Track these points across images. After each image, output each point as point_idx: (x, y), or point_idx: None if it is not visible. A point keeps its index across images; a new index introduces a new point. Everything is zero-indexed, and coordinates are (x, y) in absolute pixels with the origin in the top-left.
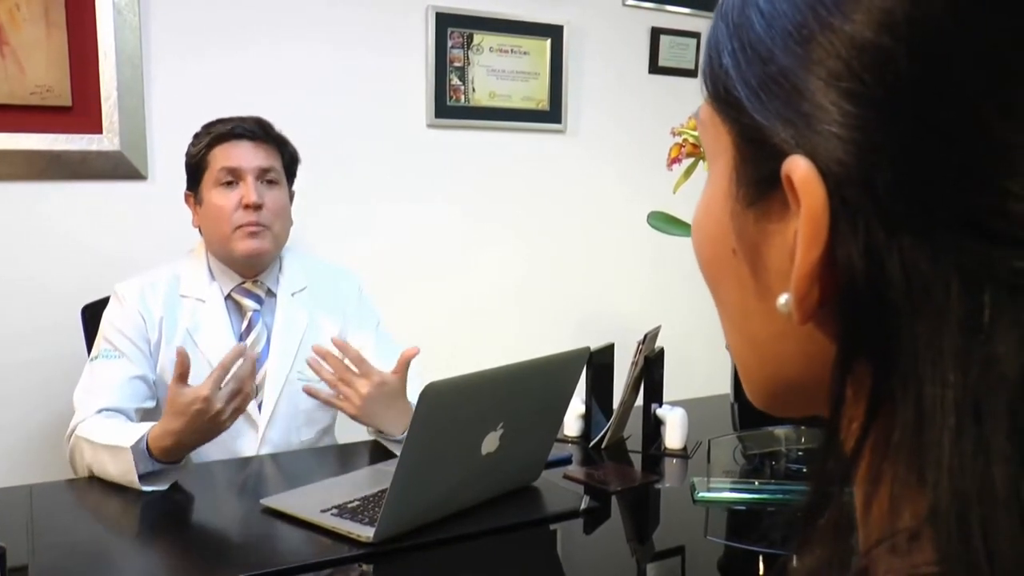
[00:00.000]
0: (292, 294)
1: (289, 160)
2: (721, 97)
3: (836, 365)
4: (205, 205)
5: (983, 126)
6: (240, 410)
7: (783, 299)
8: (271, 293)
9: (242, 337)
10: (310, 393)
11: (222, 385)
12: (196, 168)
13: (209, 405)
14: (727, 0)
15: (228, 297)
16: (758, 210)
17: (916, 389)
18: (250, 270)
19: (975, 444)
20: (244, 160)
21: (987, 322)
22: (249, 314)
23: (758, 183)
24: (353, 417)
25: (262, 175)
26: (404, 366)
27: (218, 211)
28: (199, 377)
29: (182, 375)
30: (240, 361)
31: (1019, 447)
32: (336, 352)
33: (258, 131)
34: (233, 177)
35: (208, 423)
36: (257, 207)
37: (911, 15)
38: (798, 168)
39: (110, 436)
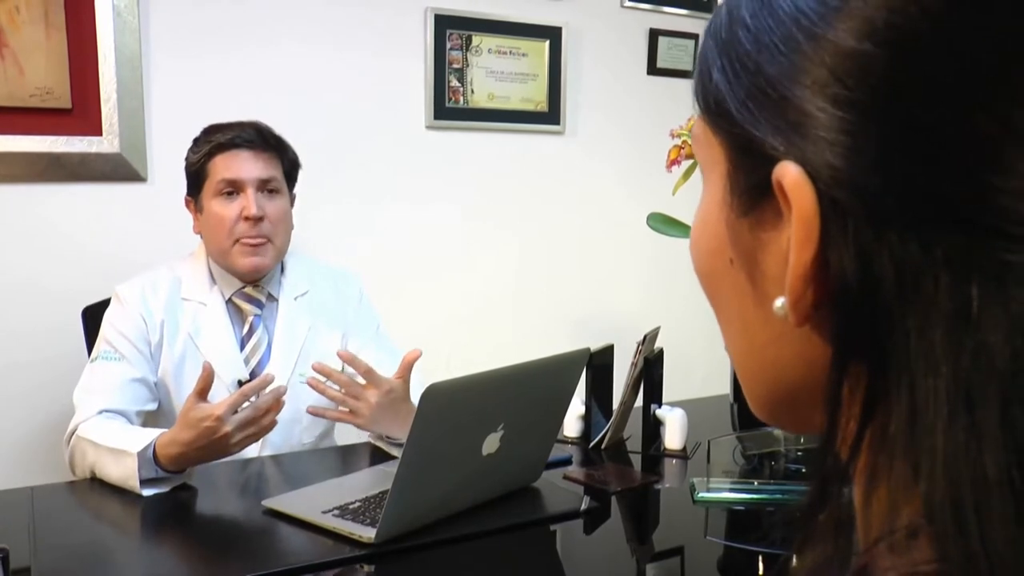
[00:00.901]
0: (294, 298)
1: (289, 166)
2: (712, 111)
3: (832, 365)
4: (206, 214)
5: (965, 124)
6: (252, 438)
7: (779, 302)
8: (272, 297)
9: (243, 341)
10: (315, 413)
11: (239, 409)
12: (196, 176)
13: (219, 425)
14: (715, 20)
15: (229, 301)
16: (753, 219)
17: (909, 381)
18: (251, 278)
19: (967, 432)
20: (244, 171)
21: (976, 313)
22: (250, 319)
23: (751, 191)
24: (360, 427)
25: (263, 186)
26: (407, 369)
27: (219, 222)
28: None
29: (202, 391)
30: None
31: (1010, 434)
32: (338, 366)
33: (258, 140)
34: (233, 188)
35: (215, 443)
36: (258, 219)
37: (890, 22)
38: (788, 173)
39: (115, 439)
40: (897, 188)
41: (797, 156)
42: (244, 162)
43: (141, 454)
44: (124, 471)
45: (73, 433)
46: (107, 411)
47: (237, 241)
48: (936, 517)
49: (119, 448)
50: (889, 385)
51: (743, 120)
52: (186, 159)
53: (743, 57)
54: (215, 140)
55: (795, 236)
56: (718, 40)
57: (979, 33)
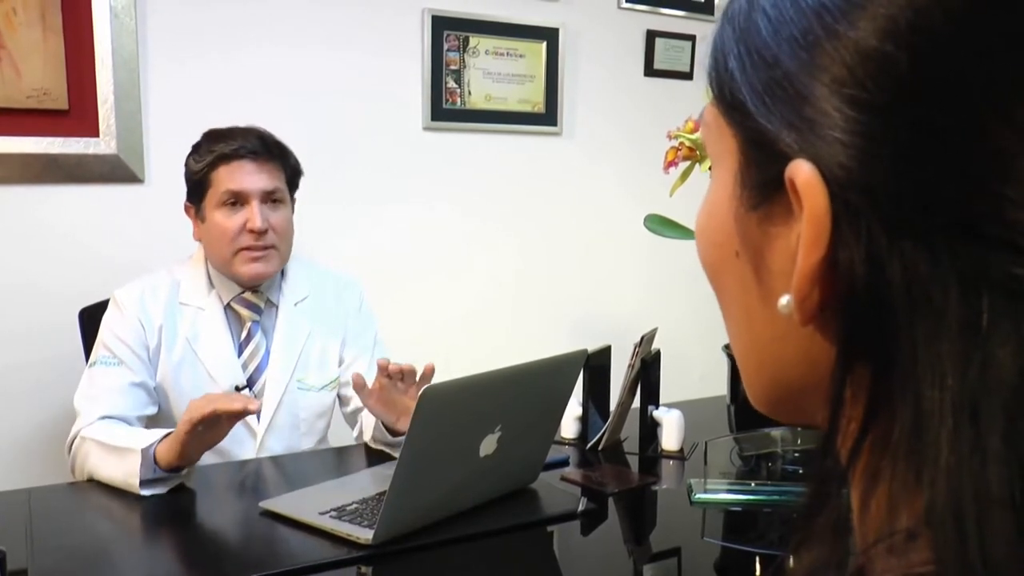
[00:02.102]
0: (294, 304)
1: (292, 174)
2: (726, 100)
3: (836, 366)
4: (208, 223)
5: (983, 133)
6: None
7: (784, 300)
8: (271, 303)
9: (241, 347)
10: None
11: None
12: (198, 184)
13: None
14: (734, 4)
15: (227, 306)
16: (762, 213)
17: (915, 391)
18: (252, 284)
19: (971, 445)
20: (248, 183)
21: (985, 326)
22: (248, 324)
23: (762, 186)
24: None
25: (267, 197)
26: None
27: (222, 233)
28: (200, 389)
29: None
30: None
31: (1014, 448)
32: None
33: (261, 150)
34: (237, 200)
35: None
36: (262, 232)
37: (914, 24)
38: (801, 172)
39: (120, 439)
40: (910, 194)
41: (811, 154)
42: (248, 174)
43: (144, 452)
44: (126, 469)
45: (75, 438)
46: (109, 417)
47: (240, 250)
48: (937, 526)
49: (124, 447)
50: (893, 390)
51: (757, 114)
52: (187, 166)
53: (761, 48)
54: (218, 150)
55: (805, 236)
56: (736, 26)
57: (1000, 42)
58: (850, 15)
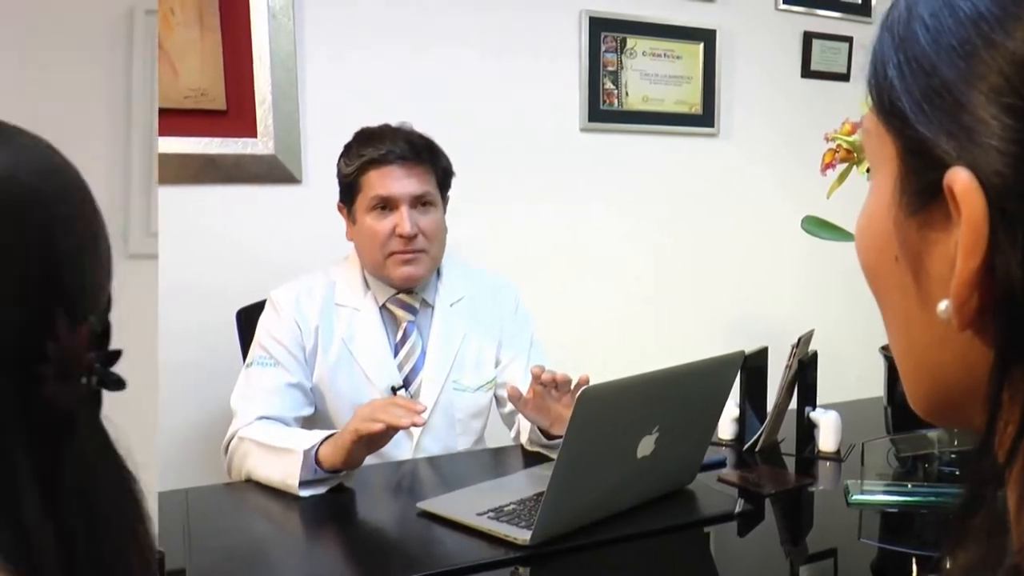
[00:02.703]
0: (450, 305)
1: (443, 176)
2: (886, 108)
3: (994, 370)
4: (359, 226)
5: None
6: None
7: (943, 305)
8: (426, 304)
9: (397, 347)
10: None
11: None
12: (349, 187)
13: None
14: (892, 13)
15: (383, 307)
16: (921, 219)
17: None
18: (405, 287)
19: None
20: (397, 188)
21: None
22: (404, 325)
23: (921, 193)
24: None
25: (416, 201)
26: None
27: (372, 236)
28: (356, 389)
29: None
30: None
31: None
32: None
33: (410, 154)
34: (387, 204)
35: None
36: (412, 236)
37: None
38: (959, 179)
39: (280, 439)
40: None
41: (968, 162)
42: (397, 179)
43: (306, 453)
44: (285, 470)
45: (232, 439)
46: (265, 417)
47: (391, 254)
48: None
49: (283, 447)
50: None
51: (916, 122)
52: (338, 168)
53: (920, 56)
54: (367, 155)
55: (963, 242)
56: (895, 35)
57: None
58: (1007, 25)
